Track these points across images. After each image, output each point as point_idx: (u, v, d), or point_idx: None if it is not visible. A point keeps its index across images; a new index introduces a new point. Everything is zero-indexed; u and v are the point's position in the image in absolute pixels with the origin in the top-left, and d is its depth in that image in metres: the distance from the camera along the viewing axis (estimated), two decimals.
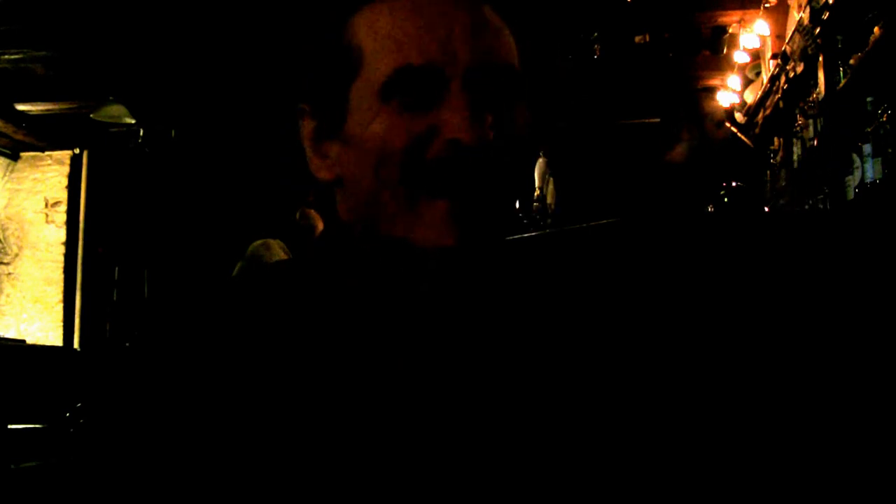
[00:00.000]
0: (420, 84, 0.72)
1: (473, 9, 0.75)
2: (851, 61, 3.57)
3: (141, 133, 5.84)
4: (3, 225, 6.56)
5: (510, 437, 0.76)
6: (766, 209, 4.54)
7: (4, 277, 6.51)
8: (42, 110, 5.96)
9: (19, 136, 6.26)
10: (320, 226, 3.03)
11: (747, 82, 5.72)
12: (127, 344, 6.01)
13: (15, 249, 6.54)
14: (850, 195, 3.24)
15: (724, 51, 5.91)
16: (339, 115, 0.77)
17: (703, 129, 2.91)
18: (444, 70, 0.72)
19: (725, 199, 2.94)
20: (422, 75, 0.72)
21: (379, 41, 0.74)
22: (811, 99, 4.26)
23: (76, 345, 6.35)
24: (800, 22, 4.21)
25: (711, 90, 5.89)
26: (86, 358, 5.88)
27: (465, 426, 0.75)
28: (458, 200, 0.73)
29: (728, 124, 3.10)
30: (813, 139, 4.21)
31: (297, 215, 3.09)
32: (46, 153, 6.59)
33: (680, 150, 2.91)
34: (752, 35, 5.17)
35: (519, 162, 0.78)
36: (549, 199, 5.14)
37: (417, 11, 0.74)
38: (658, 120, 3.10)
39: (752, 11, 5.16)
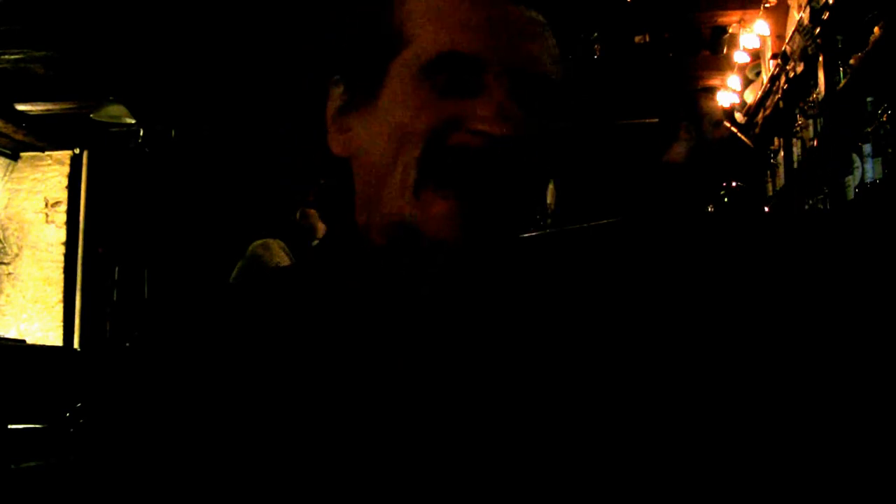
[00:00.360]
0: (462, 72, 0.73)
1: (529, 13, 0.76)
2: (851, 61, 3.57)
3: (141, 133, 5.84)
4: (3, 225, 6.55)
5: (512, 438, 0.76)
6: (766, 209, 4.54)
7: (4, 277, 6.51)
8: (42, 110, 5.96)
9: (19, 137, 6.26)
10: (320, 226, 3.03)
11: (747, 82, 5.72)
12: (127, 345, 6.00)
13: (15, 249, 6.54)
14: (850, 195, 3.24)
15: (724, 51, 5.91)
16: (372, 89, 0.77)
17: (701, 128, 2.91)
18: (489, 64, 0.73)
19: (725, 199, 2.94)
20: (466, 64, 0.73)
21: (431, 22, 0.74)
22: (811, 99, 4.26)
23: (76, 345, 6.35)
24: (800, 22, 4.21)
25: (710, 90, 5.89)
26: (86, 358, 5.88)
27: (465, 427, 0.75)
28: (467, 196, 0.73)
29: (727, 124, 3.10)
30: (813, 139, 4.21)
31: (297, 215, 3.09)
32: (46, 153, 6.59)
33: (677, 150, 2.91)
34: (751, 35, 5.17)
35: (538, 169, 0.77)
36: (549, 199, 5.14)
37: (475, 3, 0.74)
38: (657, 120, 3.10)
39: (751, 11, 5.16)
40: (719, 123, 2.98)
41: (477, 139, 0.72)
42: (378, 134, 0.76)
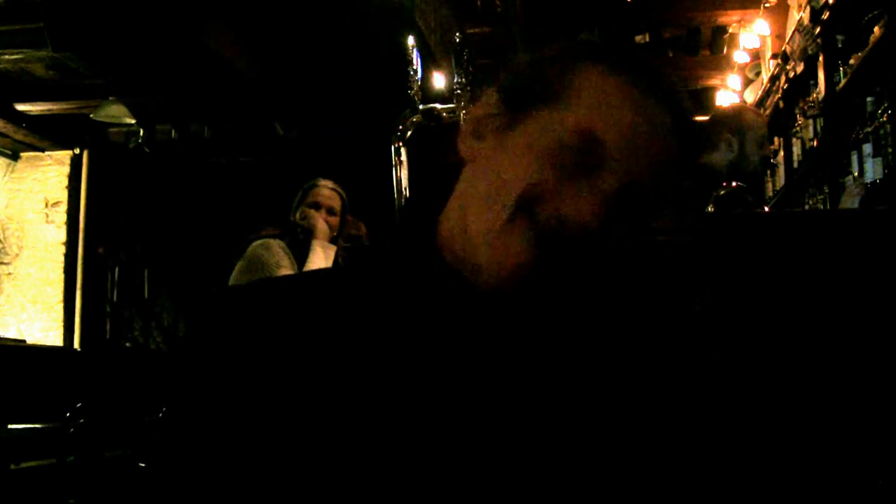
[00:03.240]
0: (587, 151, 0.78)
1: (670, 137, 0.82)
2: (851, 61, 3.58)
3: (141, 133, 5.84)
4: (3, 225, 6.54)
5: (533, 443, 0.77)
6: (767, 209, 4.54)
7: (4, 277, 6.50)
8: (42, 110, 5.95)
9: (19, 137, 6.25)
10: (320, 225, 3.03)
11: (747, 82, 5.72)
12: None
13: (15, 250, 6.53)
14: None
15: (724, 50, 5.92)
16: (515, 118, 0.82)
17: (744, 143, 2.81)
18: (610, 163, 0.78)
19: (725, 200, 2.91)
20: (597, 147, 0.78)
21: (587, 94, 0.80)
22: (811, 99, 4.26)
23: (76, 345, 6.35)
24: (800, 22, 4.21)
25: (708, 89, 5.89)
26: (86, 358, 5.88)
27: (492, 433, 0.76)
28: (538, 258, 0.77)
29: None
30: (813, 139, 4.21)
31: (298, 215, 3.08)
32: (46, 153, 6.57)
33: (715, 158, 2.81)
34: (751, 35, 5.18)
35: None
36: None
37: (632, 104, 0.80)
38: (707, 118, 3.02)
39: (751, 11, 5.16)
40: (764, 143, 2.87)
41: (566, 226, 0.77)
42: (502, 157, 0.81)
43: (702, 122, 2.92)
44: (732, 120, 2.85)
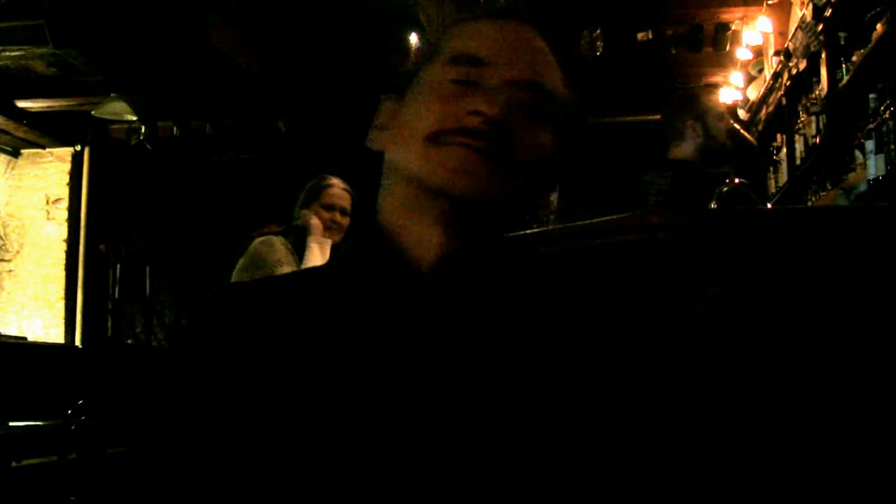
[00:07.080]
0: (471, 69, 0.87)
1: (537, 39, 0.91)
2: (854, 58, 3.57)
3: (143, 130, 5.83)
4: (4, 222, 6.54)
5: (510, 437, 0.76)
6: (770, 207, 4.53)
7: (6, 275, 6.50)
8: (43, 107, 5.94)
9: (20, 134, 6.24)
10: (314, 222, 3.03)
11: (750, 79, 5.71)
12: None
13: (16, 247, 6.53)
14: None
15: (727, 47, 5.90)
16: (403, 91, 0.92)
17: (706, 125, 2.92)
18: (492, 64, 0.87)
19: (727, 197, 2.92)
20: (475, 63, 0.88)
21: (458, 35, 0.92)
22: (813, 96, 4.26)
23: (78, 342, 6.35)
24: (802, 18, 4.20)
25: (709, 86, 5.88)
26: (87, 355, 5.88)
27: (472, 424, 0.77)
28: (466, 158, 0.83)
29: (732, 121, 3.10)
30: (815, 136, 4.21)
31: (302, 216, 3.09)
32: (47, 150, 6.57)
33: (685, 149, 2.91)
34: (754, 32, 5.17)
35: (528, 173, 0.86)
36: (552, 196, 5.13)
37: (496, 28, 0.91)
38: (659, 117, 3.09)
39: (754, 8, 5.16)
40: (723, 116, 2.99)
41: (474, 119, 0.83)
42: (403, 121, 0.89)
43: (663, 120, 2.99)
44: (692, 107, 2.93)
